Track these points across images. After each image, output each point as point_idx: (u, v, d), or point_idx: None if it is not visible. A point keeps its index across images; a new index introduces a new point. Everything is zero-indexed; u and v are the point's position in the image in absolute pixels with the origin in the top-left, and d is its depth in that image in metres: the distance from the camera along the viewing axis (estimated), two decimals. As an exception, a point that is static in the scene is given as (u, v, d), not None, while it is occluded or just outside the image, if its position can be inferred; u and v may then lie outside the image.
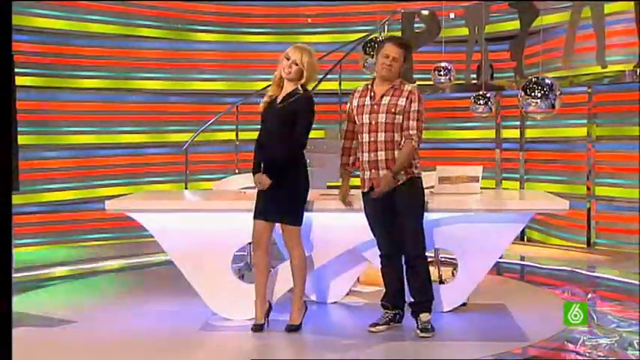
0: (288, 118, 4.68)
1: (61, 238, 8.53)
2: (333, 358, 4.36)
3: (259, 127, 4.85)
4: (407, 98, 4.64)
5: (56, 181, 8.59)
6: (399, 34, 8.34)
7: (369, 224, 4.78)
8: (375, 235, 4.81)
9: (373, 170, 4.67)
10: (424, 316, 4.73)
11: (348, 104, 4.82)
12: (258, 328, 4.79)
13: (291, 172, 4.70)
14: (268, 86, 4.91)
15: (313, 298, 5.46)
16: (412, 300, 4.81)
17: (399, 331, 4.78)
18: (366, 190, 4.71)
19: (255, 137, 4.87)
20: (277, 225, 4.80)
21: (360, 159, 4.74)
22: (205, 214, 5.05)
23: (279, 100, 4.75)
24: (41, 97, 8.43)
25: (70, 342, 4.66)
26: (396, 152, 4.63)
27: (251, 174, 4.85)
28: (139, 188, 8.79)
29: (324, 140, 8.93)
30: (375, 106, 4.66)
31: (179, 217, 5.06)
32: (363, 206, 4.78)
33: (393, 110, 4.63)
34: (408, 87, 4.71)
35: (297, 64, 4.69)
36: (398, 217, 4.69)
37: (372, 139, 4.65)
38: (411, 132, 4.63)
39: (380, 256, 4.85)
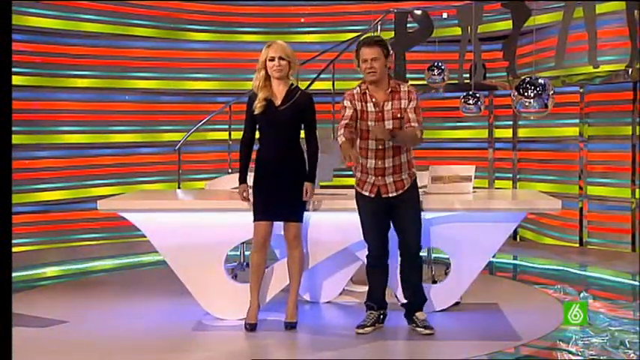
0: (297, 117, 4.74)
1: (53, 238, 8.49)
2: (330, 358, 4.35)
3: (247, 129, 4.82)
4: (407, 99, 4.61)
5: (48, 181, 8.55)
6: (391, 34, 8.35)
7: (363, 225, 4.74)
8: (366, 237, 4.77)
9: (380, 177, 4.62)
10: (421, 315, 4.75)
11: (348, 102, 4.62)
12: (252, 327, 4.80)
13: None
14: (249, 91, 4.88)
15: (307, 297, 5.46)
16: (406, 301, 4.81)
17: (387, 331, 4.78)
18: (372, 195, 4.64)
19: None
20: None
21: (363, 164, 4.63)
22: (198, 213, 5.04)
23: (279, 102, 4.74)
24: (33, 96, 8.38)
25: (62, 342, 4.65)
26: (402, 157, 4.61)
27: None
28: (131, 188, 8.77)
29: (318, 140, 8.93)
30: (380, 114, 4.57)
31: (172, 216, 5.06)
32: (358, 209, 4.74)
33: (398, 115, 4.57)
34: (404, 87, 4.67)
35: (283, 59, 4.70)
36: (397, 216, 4.67)
37: (380, 146, 4.57)
38: (412, 123, 4.56)
39: (368, 257, 4.81)
